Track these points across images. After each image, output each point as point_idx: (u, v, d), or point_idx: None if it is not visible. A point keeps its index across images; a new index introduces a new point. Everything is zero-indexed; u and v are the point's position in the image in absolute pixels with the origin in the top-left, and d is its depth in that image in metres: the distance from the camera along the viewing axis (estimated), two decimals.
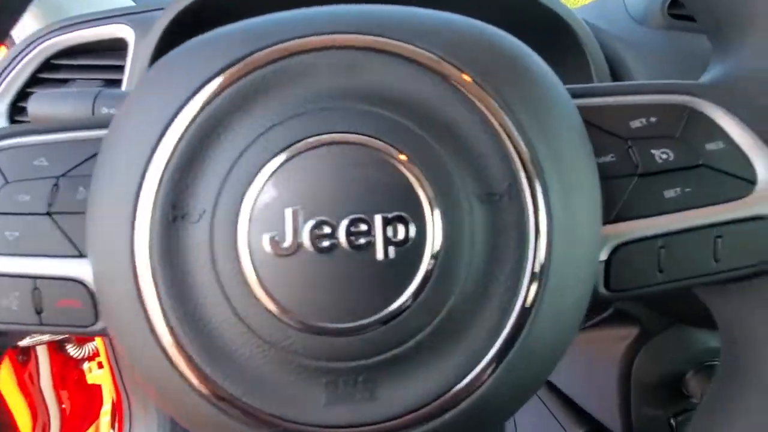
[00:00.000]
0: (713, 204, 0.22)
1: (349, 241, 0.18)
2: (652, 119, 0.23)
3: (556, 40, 0.51)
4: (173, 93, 0.19)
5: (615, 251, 0.22)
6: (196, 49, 0.21)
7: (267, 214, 0.19)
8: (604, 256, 0.22)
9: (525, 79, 0.20)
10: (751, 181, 0.22)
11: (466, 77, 0.20)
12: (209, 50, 0.20)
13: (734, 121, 0.22)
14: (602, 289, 0.23)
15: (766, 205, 0.22)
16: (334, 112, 0.19)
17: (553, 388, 0.71)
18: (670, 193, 0.22)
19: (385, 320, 0.19)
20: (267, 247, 0.19)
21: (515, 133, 0.19)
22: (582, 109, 0.23)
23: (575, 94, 0.24)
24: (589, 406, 0.63)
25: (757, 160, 0.22)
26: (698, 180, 0.22)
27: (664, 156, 0.22)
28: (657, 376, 0.52)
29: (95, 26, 0.50)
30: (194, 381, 0.19)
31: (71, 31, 0.50)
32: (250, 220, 0.19)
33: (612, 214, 0.22)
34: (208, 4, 0.46)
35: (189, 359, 0.19)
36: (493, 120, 0.19)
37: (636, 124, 0.23)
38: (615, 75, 0.48)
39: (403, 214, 0.19)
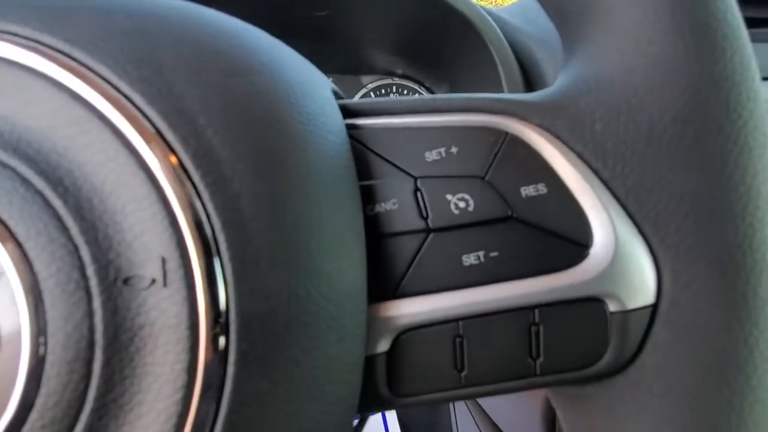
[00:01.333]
0: (528, 276, 0.15)
1: None
2: (453, 150, 0.16)
3: (465, 40, 0.44)
4: None
5: (398, 339, 0.15)
6: None
7: None
8: (385, 346, 0.16)
9: (223, 90, 0.13)
10: (582, 245, 0.15)
11: (108, 92, 0.12)
12: None
13: (565, 155, 0.15)
14: (385, 391, 0.16)
15: (604, 282, 0.15)
16: None
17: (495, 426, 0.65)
18: (470, 259, 0.15)
19: None
20: None
21: (185, 183, 0.12)
22: (360, 131, 0.16)
23: (351, 111, 0.17)
24: None
25: (595, 213, 0.15)
26: (508, 240, 0.15)
27: (462, 204, 0.15)
28: None
29: None
30: None
31: None
32: None
33: (393, 287, 0.15)
34: None
35: None
36: (149, 163, 0.12)
37: (432, 156, 0.16)
38: (529, 78, 0.42)
39: None
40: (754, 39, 0.45)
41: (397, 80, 0.63)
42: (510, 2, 0.57)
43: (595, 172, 0.15)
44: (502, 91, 0.42)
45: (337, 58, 0.62)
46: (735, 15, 0.15)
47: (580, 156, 0.15)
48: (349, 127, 0.16)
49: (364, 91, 0.63)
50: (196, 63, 0.13)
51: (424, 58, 0.59)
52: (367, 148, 0.16)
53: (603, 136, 0.15)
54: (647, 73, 0.15)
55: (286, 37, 0.60)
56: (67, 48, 0.12)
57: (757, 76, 0.14)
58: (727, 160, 0.14)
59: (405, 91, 0.64)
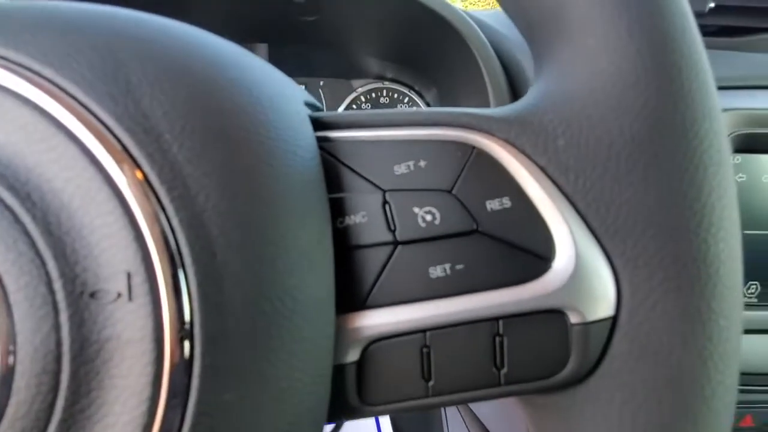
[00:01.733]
0: (492, 288, 0.15)
1: None
2: (422, 163, 0.16)
3: (452, 47, 0.45)
4: None
5: (367, 349, 0.16)
6: None
7: None
8: (354, 356, 0.16)
9: (189, 107, 0.13)
10: (545, 258, 0.15)
11: (76, 109, 0.13)
12: None
13: (530, 170, 0.16)
14: (354, 400, 0.16)
15: (565, 295, 0.15)
16: None
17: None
18: (436, 271, 0.16)
19: None
20: None
21: (151, 199, 0.13)
22: (332, 144, 0.17)
23: (324, 124, 0.17)
24: None
25: (558, 227, 0.15)
26: (473, 253, 0.16)
27: (429, 217, 0.16)
28: None
29: None
30: None
31: None
32: None
33: (362, 298, 0.16)
34: None
35: None
36: (116, 178, 0.13)
37: (401, 169, 0.16)
38: (514, 85, 0.42)
39: None
40: (737, 47, 0.45)
41: (387, 84, 0.64)
42: None
43: (558, 186, 0.15)
44: (488, 97, 0.42)
45: (328, 62, 0.62)
46: (692, 33, 0.15)
47: (543, 170, 0.16)
48: (321, 139, 0.17)
49: (354, 95, 0.64)
50: (163, 79, 0.13)
51: (413, 64, 0.60)
52: (339, 160, 0.16)
53: (566, 151, 0.15)
54: (608, 91, 0.15)
55: (278, 42, 0.60)
56: (35, 65, 0.13)
57: (714, 93, 0.15)
58: (683, 177, 0.14)
59: (395, 95, 0.64)
